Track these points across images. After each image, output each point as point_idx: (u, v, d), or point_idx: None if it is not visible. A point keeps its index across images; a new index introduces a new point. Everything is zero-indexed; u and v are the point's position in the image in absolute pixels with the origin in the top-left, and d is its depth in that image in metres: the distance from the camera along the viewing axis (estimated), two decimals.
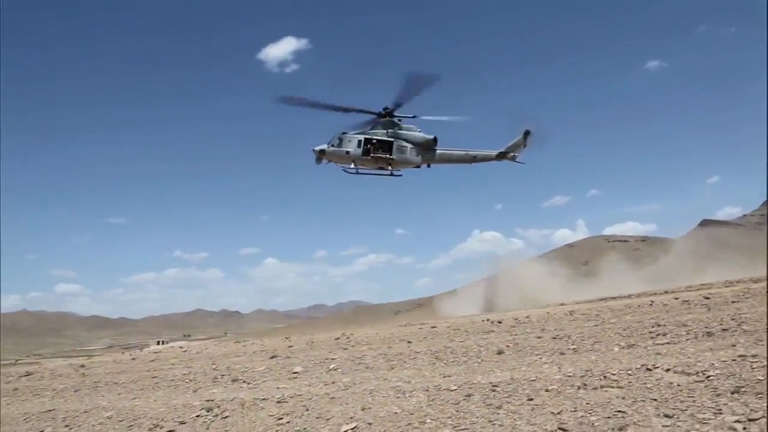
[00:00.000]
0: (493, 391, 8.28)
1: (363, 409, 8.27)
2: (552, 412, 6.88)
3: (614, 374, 8.17)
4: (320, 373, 11.66)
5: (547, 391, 7.88)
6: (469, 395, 8.22)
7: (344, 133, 34.76)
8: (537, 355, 10.73)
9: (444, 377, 9.76)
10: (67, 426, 9.87)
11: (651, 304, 16.37)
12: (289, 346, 16.96)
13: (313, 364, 12.64)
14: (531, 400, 7.56)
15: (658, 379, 7.60)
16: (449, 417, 7.39)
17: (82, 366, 18.92)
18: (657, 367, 8.16)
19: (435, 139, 36.93)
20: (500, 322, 16.84)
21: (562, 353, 10.46)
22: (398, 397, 8.69)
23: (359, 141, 34.83)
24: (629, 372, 8.18)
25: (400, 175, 36.33)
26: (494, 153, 36.22)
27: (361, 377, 10.63)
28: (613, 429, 5.99)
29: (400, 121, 36.95)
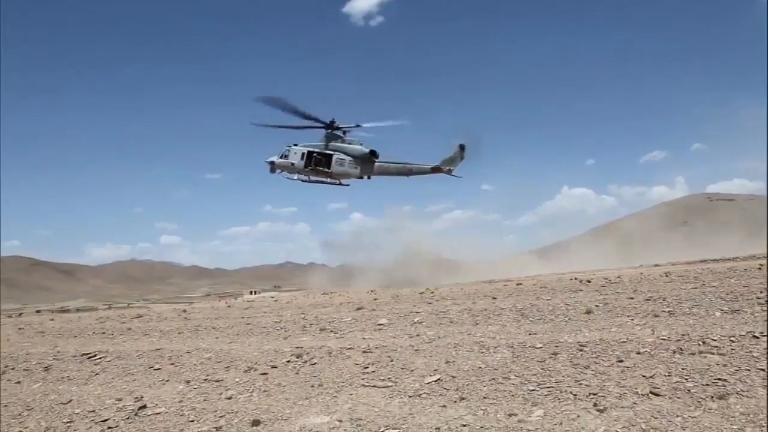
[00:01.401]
0: (581, 350, 8.10)
1: (447, 362, 8.39)
2: (644, 375, 6.64)
3: (715, 340, 7.70)
4: (405, 325, 11.90)
5: (638, 353, 7.59)
6: (555, 354, 8.10)
7: (292, 145, 36.06)
8: (628, 316, 10.31)
9: (529, 334, 9.65)
10: (172, 364, 10.76)
11: (760, 268, 15.15)
12: (375, 299, 17.40)
13: (397, 317, 12.91)
14: (621, 362, 7.33)
15: (766, 348, 7.10)
16: (534, 374, 7.34)
17: (184, 311, 20.48)
18: (765, 335, 7.60)
19: (372, 152, 36.94)
20: (589, 282, 16.30)
21: (656, 315, 9.99)
22: (482, 353, 8.73)
23: (302, 154, 35.90)
24: (732, 339, 7.67)
25: (348, 185, 36.90)
26: (429, 166, 35.91)
27: (445, 331, 10.75)
28: (712, 397, 5.70)
29: (344, 133, 37.15)
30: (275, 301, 21.04)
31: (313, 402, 7.36)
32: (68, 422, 7.81)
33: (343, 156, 35.60)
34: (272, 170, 36.03)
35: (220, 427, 6.80)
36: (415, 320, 12.24)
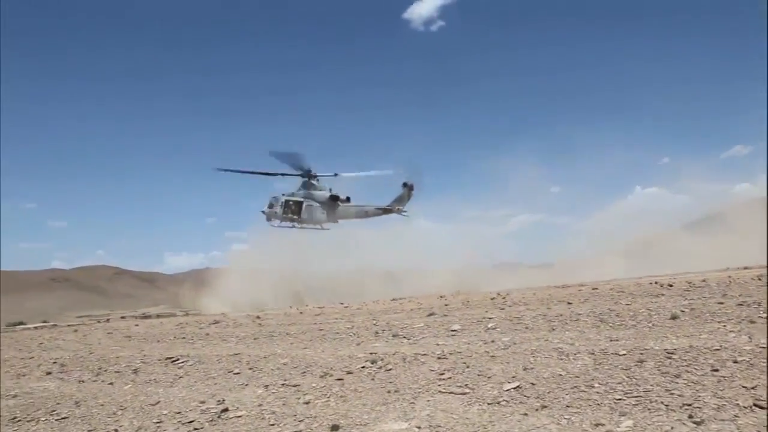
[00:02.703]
0: (669, 358, 7.68)
1: (525, 369, 8.18)
2: (744, 386, 6.20)
3: None
4: (478, 331, 11.72)
5: (735, 362, 7.10)
6: (641, 361, 7.72)
7: (277, 195, 37.03)
8: (719, 322, 9.69)
9: (611, 341, 9.26)
10: (251, 369, 11.09)
11: None
12: (445, 305, 17.26)
13: (470, 323, 12.74)
14: (716, 371, 6.88)
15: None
16: (619, 383, 7.02)
17: (258, 317, 21.10)
18: None
19: (332, 197, 36.95)
20: (671, 286, 15.45)
21: (752, 321, 9.32)
22: (561, 359, 8.45)
23: (282, 203, 36.83)
24: None
25: (328, 229, 37.29)
26: (381, 208, 35.75)
27: (521, 337, 10.50)
28: None
29: (318, 180, 37.46)
30: (345, 307, 21.29)
31: (390, 408, 7.35)
32: (158, 422, 8.18)
33: (314, 203, 37.19)
34: (268, 220, 38.29)
35: (300, 431, 6.91)
36: (489, 326, 12.03)
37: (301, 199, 37.24)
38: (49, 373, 13.84)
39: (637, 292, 14.93)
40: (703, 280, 15.96)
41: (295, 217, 37.01)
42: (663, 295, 13.84)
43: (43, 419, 9.32)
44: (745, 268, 20.81)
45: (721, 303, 11.40)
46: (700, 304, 11.54)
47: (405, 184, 36.94)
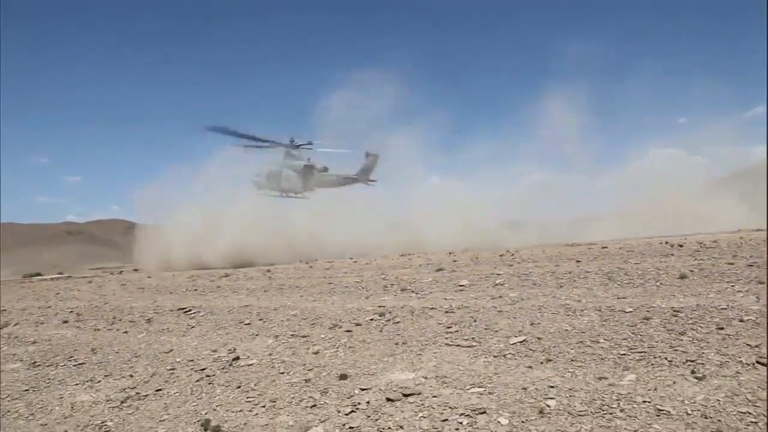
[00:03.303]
0: (675, 316, 7.74)
1: (531, 324, 8.29)
2: (748, 344, 6.25)
3: None
4: (486, 287, 11.84)
5: (741, 321, 7.15)
6: (647, 318, 7.79)
7: (265, 166, 36.77)
8: (728, 282, 9.70)
9: (618, 298, 9.32)
10: (261, 320, 11.33)
11: None
12: (454, 261, 17.39)
13: (478, 279, 12.86)
14: (721, 329, 6.93)
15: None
16: (624, 338, 7.10)
17: (269, 271, 21.43)
18: None
19: (307, 166, 36.43)
20: (681, 246, 15.44)
21: (760, 282, 9.33)
22: (568, 315, 8.54)
23: (267, 172, 36.52)
24: None
25: (307, 198, 36.97)
26: (350, 177, 35.43)
27: (528, 293, 10.59)
28: None
29: (298, 148, 36.96)
30: (354, 262, 21.53)
31: (397, 359, 7.52)
32: (171, 369, 8.43)
33: (291, 173, 37.23)
34: (257, 189, 38.36)
35: (309, 380, 7.10)
36: (497, 282, 12.14)
37: (281, 169, 37.73)
38: (65, 322, 14.23)
39: (647, 251, 14.93)
40: (714, 241, 15.92)
41: (276, 185, 37.60)
42: (672, 255, 13.84)
43: (62, 364, 9.64)
44: (758, 230, 20.68)
45: (731, 264, 11.40)
46: (710, 265, 11.54)
47: (368, 154, 37.33)
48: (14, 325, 14.73)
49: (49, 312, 16.46)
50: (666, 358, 6.18)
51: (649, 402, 5.11)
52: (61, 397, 7.67)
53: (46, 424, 6.66)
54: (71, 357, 10.07)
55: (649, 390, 5.38)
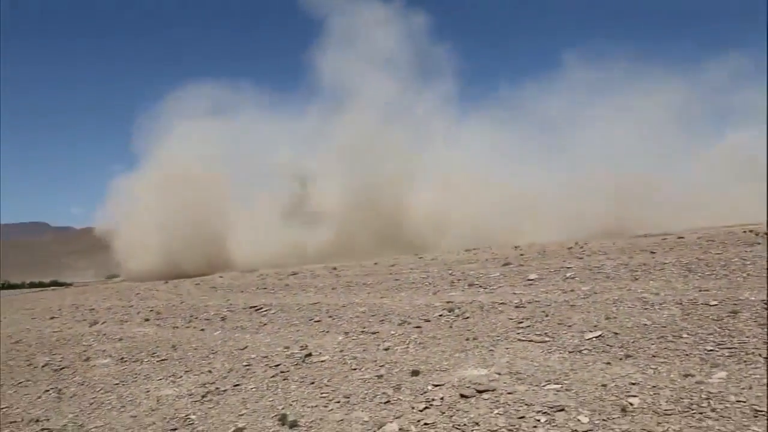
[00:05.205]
0: (767, 309, 7.25)
1: (607, 318, 8.00)
2: None
3: None
4: (556, 280, 11.52)
5: None
6: (734, 312, 7.34)
7: None
8: None
9: (700, 291, 8.84)
10: (330, 317, 11.50)
11: None
12: (521, 254, 17.04)
13: (547, 272, 12.53)
14: None
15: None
16: (710, 334, 6.72)
17: (335, 269, 21.72)
18: None
19: None
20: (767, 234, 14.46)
21: None
22: (646, 309, 8.18)
23: None
24: None
25: None
26: None
27: (602, 287, 10.22)
28: None
29: None
30: (419, 258, 21.49)
31: (469, 355, 7.44)
32: (247, 365, 8.71)
33: None
34: None
35: (382, 376, 7.14)
36: (567, 275, 11.79)
37: None
38: (147, 320, 15.00)
39: (729, 241, 14.10)
40: None
41: None
42: (759, 243, 13.00)
43: (146, 360, 10.16)
44: None
45: None
46: None
47: None
48: (102, 323, 15.69)
49: (131, 311, 17.41)
50: (761, 355, 5.80)
51: (744, 402, 4.80)
52: (148, 391, 8.07)
53: (137, 416, 7.02)
54: (154, 353, 10.60)
55: (743, 389, 5.06)
